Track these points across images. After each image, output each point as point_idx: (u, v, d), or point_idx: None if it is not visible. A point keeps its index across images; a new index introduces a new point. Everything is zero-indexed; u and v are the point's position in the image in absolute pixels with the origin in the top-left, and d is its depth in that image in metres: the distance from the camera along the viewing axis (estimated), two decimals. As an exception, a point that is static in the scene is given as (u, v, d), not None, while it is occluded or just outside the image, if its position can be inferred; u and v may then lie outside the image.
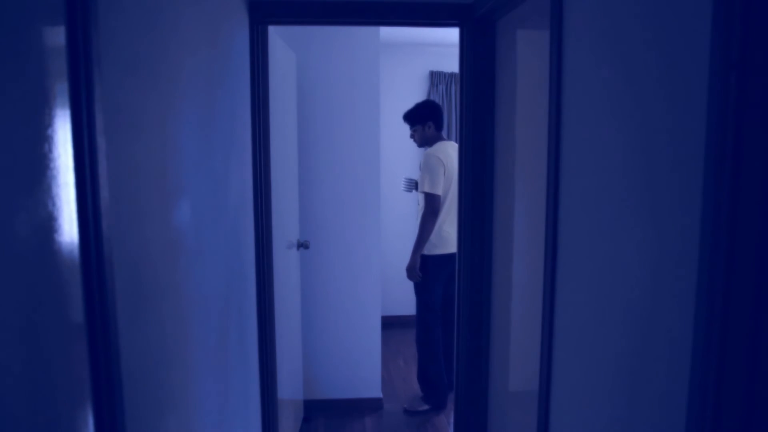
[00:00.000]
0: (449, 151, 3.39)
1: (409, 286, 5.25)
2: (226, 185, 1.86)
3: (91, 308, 0.86)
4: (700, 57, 0.88)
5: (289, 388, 2.93)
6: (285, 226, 2.82)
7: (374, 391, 3.52)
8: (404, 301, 4.88)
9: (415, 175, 3.92)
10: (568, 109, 1.47)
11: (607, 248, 1.26)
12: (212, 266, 1.65)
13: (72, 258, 0.82)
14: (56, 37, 0.80)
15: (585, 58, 1.38)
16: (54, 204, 0.77)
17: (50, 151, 0.76)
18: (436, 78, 5.02)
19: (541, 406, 1.63)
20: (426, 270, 3.41)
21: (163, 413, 1.23)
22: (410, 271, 3.43)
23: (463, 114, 2.45)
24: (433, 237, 3.37)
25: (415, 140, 3.60)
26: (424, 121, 3.51)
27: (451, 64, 4.79)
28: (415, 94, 5.08)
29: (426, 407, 3.50)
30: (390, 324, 4.75)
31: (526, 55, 2.07)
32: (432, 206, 3.33)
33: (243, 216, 2.16)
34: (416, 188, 3.65)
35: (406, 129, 5.39)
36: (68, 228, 0.81)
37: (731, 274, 0.82)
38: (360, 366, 3.50)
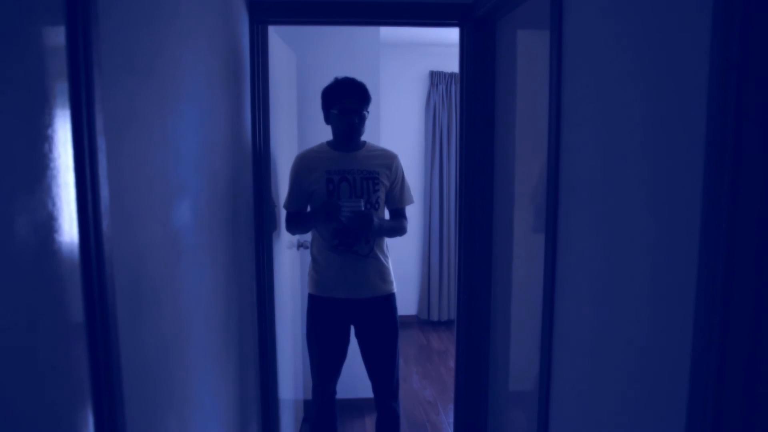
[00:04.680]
0: None
1: (409, 285, 5.27)
2: (226, 185, 1.86)
3: (91, 308, 0.86)
4: (700, 56, 0.88)
5: (289, 388, 2.93)
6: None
7: (374, 391, 3.52)
8: (404, 301, 4.87)
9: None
10: (568, 108, 1.47)
11: (607, 248, 1.26)
12: (212, 266, 1.65)
13: (72, 258, 0.82)
14: (56, 37, 0.80)
15: (585, 57, 1.38)
16: (54, 204, 0.77)
17: (50, 151, 0.76)
18: (436, 78, 5.02)
19: (541, 406, 1.63)
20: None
21: (163, 413, 1.23)
22: (362, 220, 2.31)
23: (463, 114, 2.45)
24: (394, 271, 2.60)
25: (354, 131, 2.49)
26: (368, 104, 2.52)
27: (451, 64, 4.79)
28: (415, 94, 5.07)
29: None
30: (390, 324, 4.75)
31: (526, 55, 2.07)
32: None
33: (243, 216, 2.16)
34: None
35: (406, 128, 5.22)
36: (68, 228, 0.81)
37: (731, 274, 0.82)
38: (360, 366, 3.49)
